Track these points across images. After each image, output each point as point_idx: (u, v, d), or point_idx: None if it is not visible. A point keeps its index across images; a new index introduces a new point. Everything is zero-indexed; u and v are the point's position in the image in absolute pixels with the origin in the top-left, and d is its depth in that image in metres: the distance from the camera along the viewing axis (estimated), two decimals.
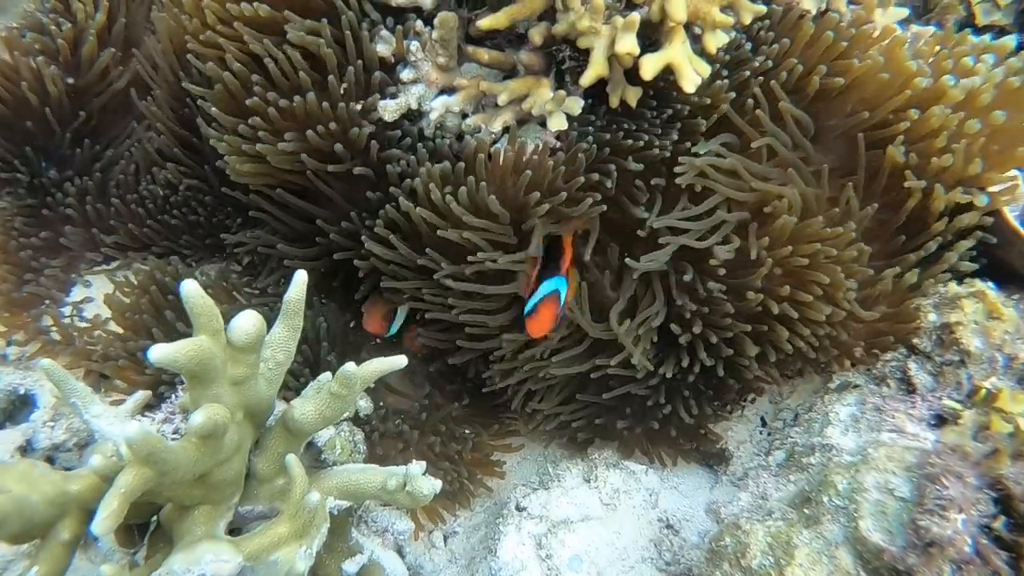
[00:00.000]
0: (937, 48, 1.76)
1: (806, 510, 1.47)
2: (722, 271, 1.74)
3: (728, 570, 1.50)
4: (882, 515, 1.36)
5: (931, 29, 1.90)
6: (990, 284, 1.66)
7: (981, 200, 1.68)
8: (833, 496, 1.44)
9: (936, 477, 1.29)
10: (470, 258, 1.66)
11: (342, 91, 1.67)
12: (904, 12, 1.82)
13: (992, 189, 1.79)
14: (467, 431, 2.06)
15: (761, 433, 2.15)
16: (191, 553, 1.35)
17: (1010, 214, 1.85)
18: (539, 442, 2.35)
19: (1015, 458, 1.28)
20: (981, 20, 2.09)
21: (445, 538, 2.24)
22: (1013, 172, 1.75)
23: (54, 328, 2.04)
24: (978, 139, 1.63)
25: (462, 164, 1.66)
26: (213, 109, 1.78)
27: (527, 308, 1.68)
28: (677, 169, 1.73)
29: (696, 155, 1.73)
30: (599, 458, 2.13)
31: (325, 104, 1.67)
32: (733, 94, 1.71)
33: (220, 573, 1.33)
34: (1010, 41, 1.74)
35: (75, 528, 1.36)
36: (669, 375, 1.83)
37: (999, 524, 1.25)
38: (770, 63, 1.70)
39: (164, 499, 1.44)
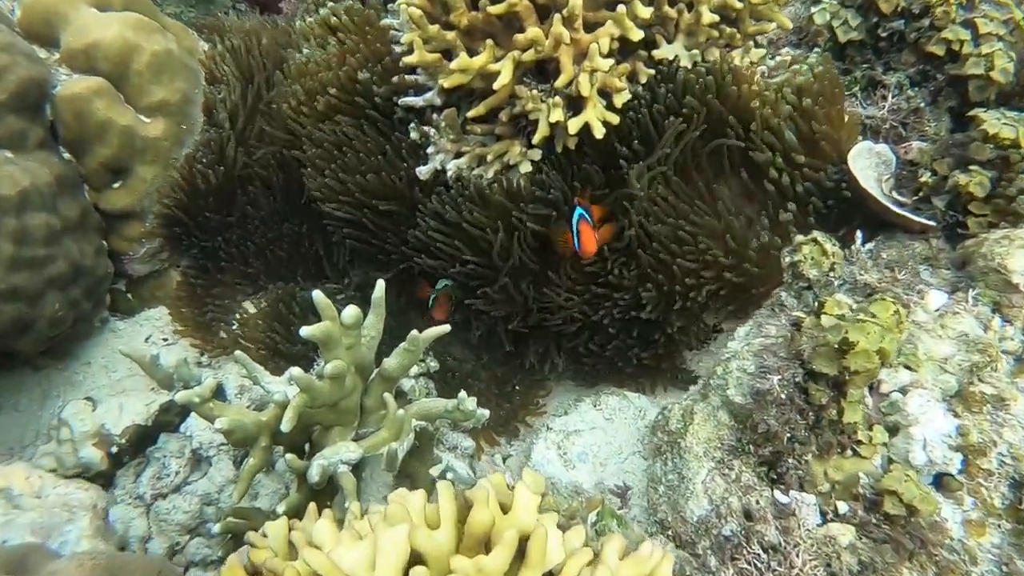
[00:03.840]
0: (786, 69, 2.59)
1: (702, 391, 2.32)
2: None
3: (660, 435, 2.37)
4: (740, 385, 2.20)
5: (789, 56, 2.71)
6: (823, 233, 2.44)
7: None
8: (716, 379, 2.29)
9: (761, 355, 2.13)
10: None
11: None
12: (761, 52, 2.64)
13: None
14: (504, 374, 2.99)
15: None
16: (333, 448, 2.31)
17: (862, 179, 2.62)
18: (571, 391, 3.25)
19: (810, 338, 2.09)
20: (842, 38, 2.87)
21: (504, 459, 3.16)
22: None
23: (227, 339, 3.10)
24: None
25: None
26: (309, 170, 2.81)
27: (575, 243, 2.42)
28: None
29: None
30: (605, 391, 3.00)
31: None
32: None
33: (351, 457, 2.28)
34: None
35: (268, 440, 2.34)
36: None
37: (800, 379, 2.07)
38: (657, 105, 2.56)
39: (314, 423, 2.42)
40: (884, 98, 2.88)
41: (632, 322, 2.76)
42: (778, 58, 2.71)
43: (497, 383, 2.99)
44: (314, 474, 2.16)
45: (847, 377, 2.01)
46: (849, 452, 2.07)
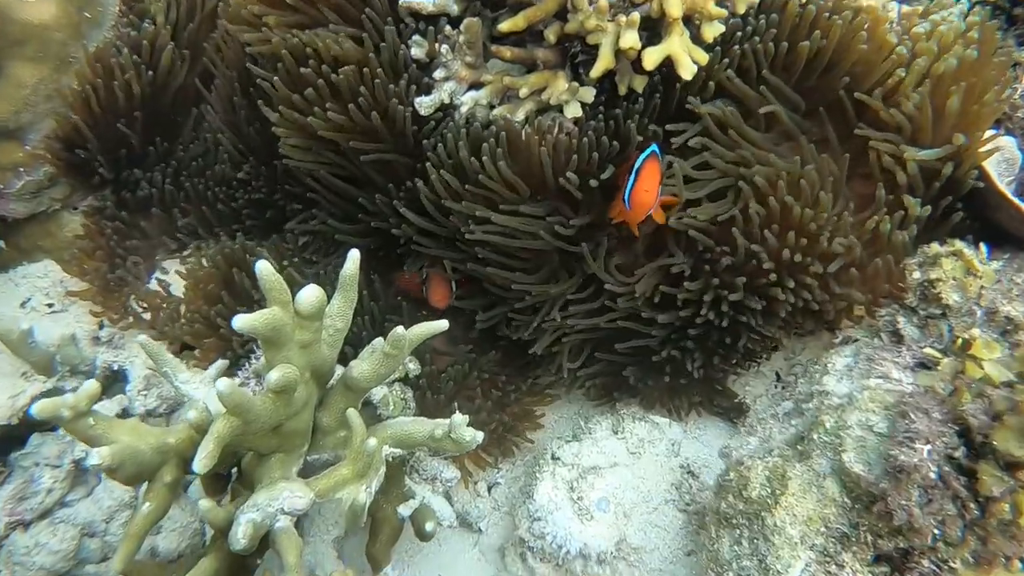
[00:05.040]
0: (917, 20, 1.91)
1: (799, 447, 1.67)
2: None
3: (732, 501, 1.71)
4: (862, 448, 1.55)
5: (918, 8, 2.04)
6: (967, 243, 1.81)
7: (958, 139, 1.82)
8: (822, 434, 1.63)
9: (906, 413, 1.48)
10: (493, 217, 1.90)
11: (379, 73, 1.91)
12: None
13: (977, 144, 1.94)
14: (505, 381, 2.30)
15: (776, 387, 2.33)
16: (271, 490, 1.60)
17: (996, 178, 2.00)
18: (573, 402, 2.58)
19: (977, 396, 1.45)
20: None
21: (489, 488, 2.48)
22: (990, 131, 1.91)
23: (142, 306, 2.33)
24: (947, 83, 1.79)
25: (491, 136, 1.89)
26: (276, 78, 2.01)
27: (628, 187, 1.74)
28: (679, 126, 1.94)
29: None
30: (627, 412, 2.33)
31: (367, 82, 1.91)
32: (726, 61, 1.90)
33: (296, 506, 1.58)
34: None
35: (175, 473, 1.63)
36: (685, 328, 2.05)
37: (959, 453, 1.43)
38: (757, 39, 1.86)
39: (246, 448, 1.71)
40: (1016, 79, 2.28)
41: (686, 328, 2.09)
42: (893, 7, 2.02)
43: (496, 389, 2.30)
44: (241, 538, 1.45)
45: None
46: (1018, 565, 1.45)
